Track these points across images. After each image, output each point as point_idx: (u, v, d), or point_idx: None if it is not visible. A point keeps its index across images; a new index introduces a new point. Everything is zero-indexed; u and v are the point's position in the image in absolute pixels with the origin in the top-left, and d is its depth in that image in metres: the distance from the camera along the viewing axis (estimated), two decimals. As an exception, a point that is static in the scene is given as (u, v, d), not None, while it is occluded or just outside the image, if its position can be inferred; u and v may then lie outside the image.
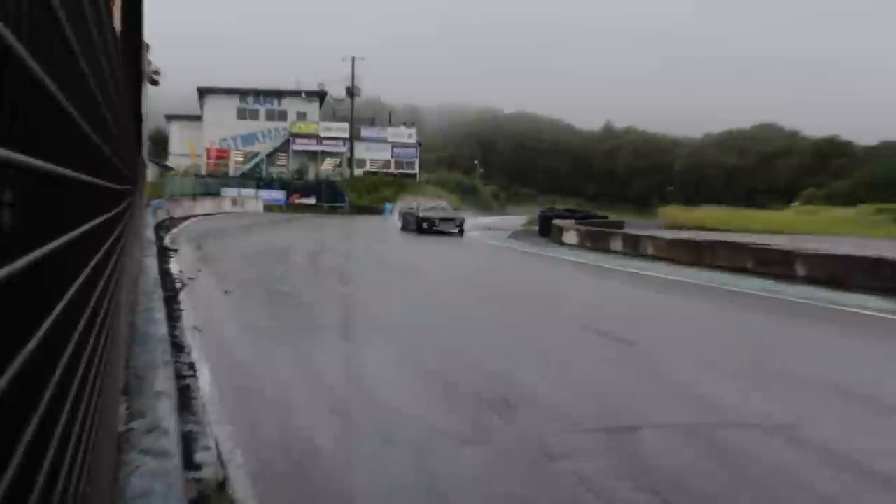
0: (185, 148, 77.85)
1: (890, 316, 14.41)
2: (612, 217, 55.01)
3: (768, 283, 18.43)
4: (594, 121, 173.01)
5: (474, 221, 55.81)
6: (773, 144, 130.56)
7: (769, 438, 6.58)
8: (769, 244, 23.97)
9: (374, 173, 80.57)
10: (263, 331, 11.14)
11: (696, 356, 9.99)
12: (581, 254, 28.23)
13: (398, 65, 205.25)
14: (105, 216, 2.81)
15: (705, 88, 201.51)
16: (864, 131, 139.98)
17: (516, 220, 59.85)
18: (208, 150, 76.67)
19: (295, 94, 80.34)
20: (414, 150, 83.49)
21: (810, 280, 19.20)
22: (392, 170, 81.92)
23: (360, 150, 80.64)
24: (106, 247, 2.87)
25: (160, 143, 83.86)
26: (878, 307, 15.39)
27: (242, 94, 79.29)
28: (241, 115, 78.77)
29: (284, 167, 78.59)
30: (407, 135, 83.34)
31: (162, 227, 34.03)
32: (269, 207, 66.25)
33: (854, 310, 15.06)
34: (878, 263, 18.53)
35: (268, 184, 72.73)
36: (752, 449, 6.32)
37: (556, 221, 37.86)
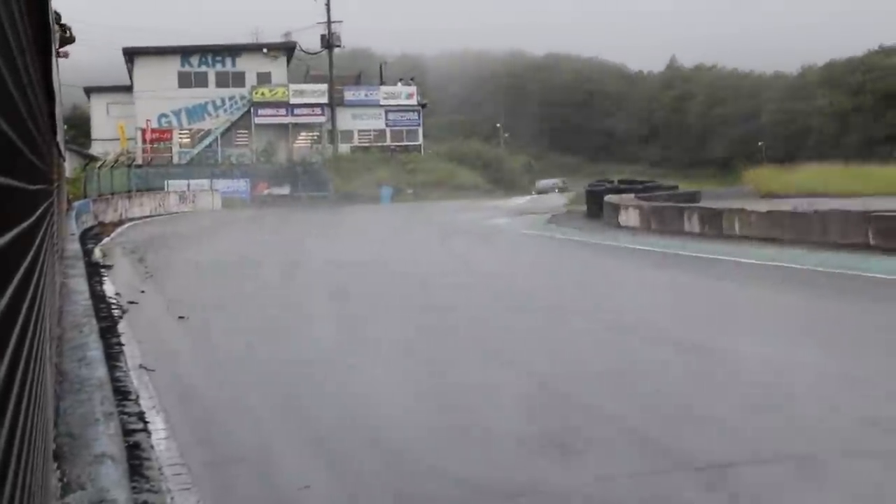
0: (112, 130, 78.09)
1: None
2: (684, 187, 54.87)
3: (899, 263, 18.37)
4: (654, 60, 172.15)
5: (500, 205, 55.82)
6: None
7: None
8: (897, 210, 23.87)
9: (366, 148, 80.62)
10: (232, 366, 11.19)
11: (807, 368, 9.98)
12: (645, 238, 28.21)
13: (389, 4, 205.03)
14: (18, 229, 2.83)
15: (798, 8, 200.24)
16: None
17: (556, 199, 59.86)
18: (143, 132, 76.86)
19: (254, 49, 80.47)
20: (415, 114, 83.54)
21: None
22: (388, 142, 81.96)
23: (345, 119, 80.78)
24: (22, 272, 2.90)
25: (79, 125, 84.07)
26: None
27: (184, 53, 79.34)
28: (185, 81, 78.89)
29: (246, 148, 78.72)
30: (405, 95, 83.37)
31: (89, 237, 34.17)
32: (229, 203, 66.26)
33: None
34: None
35: (226, 171, 72.82)
36: (887, 482, 6.31)
37: (610, 198, 37.83)
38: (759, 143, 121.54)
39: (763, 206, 31.72)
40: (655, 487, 6.38)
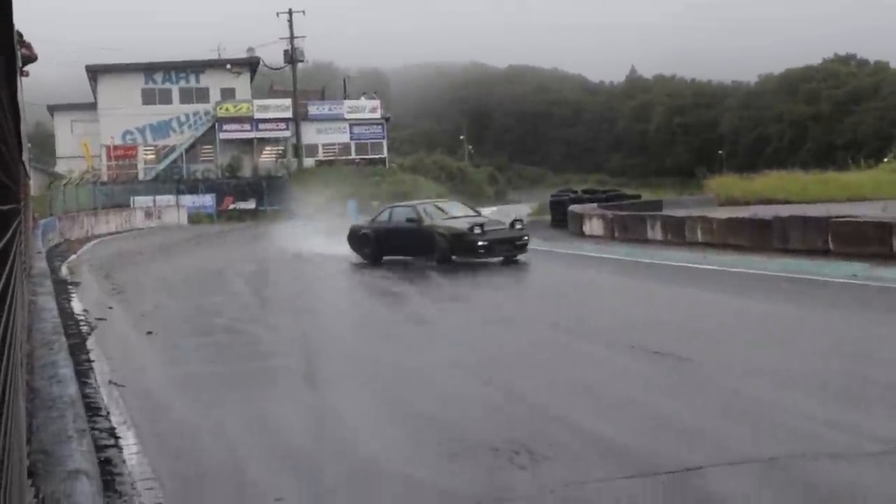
0: (77, 147, 77.62)
1: None
2: (647, 196, 55.09)
3: (858, 268, 18.53)
4: (614, 70, 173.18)
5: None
6: (853, 83, 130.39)
7: (872, 468, 6.66)
8: (855, 215, 24.08)
9: (331, 162, 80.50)
10: (201, 380, 11.18)
11: (770, 373, 10.06)
12: (609, 247, 28.32)
13: (351, 18, 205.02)
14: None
15: (755, 18, 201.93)
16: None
17: (520, 209, 60.00)
18: (108, 149, 76.41)
19: (217, 65, 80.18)
20: (380, 128, 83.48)
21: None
22: (353, 155, 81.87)
23: (310, 134, 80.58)
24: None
25: (43, 144, 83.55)
26: None
27: (148, 70, 78.96)
28: (149, 98, 78.52)
29: (211, 163, 78.43)
30: (369, 108, 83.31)
31: (56, 254, 34.00)
32: (195, 218, 66.13)
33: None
34: None
35: (191, 187, 72.56)
36: (850, 483, 6.39)
37: (574, 207, 37.95)
38: (720, 152, 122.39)
39: (724, 213, 31.93)
40: (623, 491, 6.44)
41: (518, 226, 25.76)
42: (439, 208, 26.80)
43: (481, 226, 24.73)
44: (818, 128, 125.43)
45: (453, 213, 26.35)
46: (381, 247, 26.64)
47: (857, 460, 6.85)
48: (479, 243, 24.17)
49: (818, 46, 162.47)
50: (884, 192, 51.01)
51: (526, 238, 25.13)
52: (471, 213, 27.11)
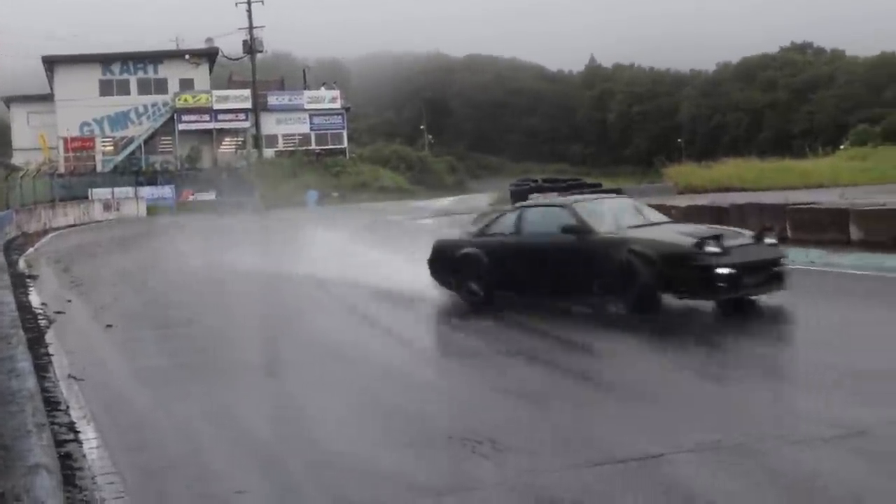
0: (33, 139, 76.87)
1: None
2: (607, 184, 55.26)
3: (816, 254, 18.69)
4: (573, 60, 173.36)
5: (424, 206, 55.87)
6: (810, 71, 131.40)
7: (833, 452, 6.71)
8: (813, 202, 24.27)
9: (291, 153, 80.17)
10: (161, 373, 11.10)
11: (725, 358, 10.13)
12: (570, 236, 28.28)
13: (309, 7, 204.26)
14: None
15: (713, 7, 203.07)
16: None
17: (481, 199, 60.02)
18: (65, 141, 75.77)
19: (176, 55, 79.76)
20: (340, 118, 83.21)
21: (870, 245, 19.44)
22: (313, 146, 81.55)
23: (269, 124, 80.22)
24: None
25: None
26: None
27: (105, 61, 78.40)
28: (106, 89, 77.96)
29: (170, 154, 77.94)
30: (329, 98, 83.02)
31: (13, 248, 33.66)
32: (154, 210, 65.69)
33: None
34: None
35: (150, 179, 72.09)
36: (811, 467, 6.45)
37: (535, 196, 37.95)
38: (678, 140, 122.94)
39: (683, 201, 32.07)
40: (587, 479, 6.45)
41: (769, 239, 13.88)
42: (620, 208, 15.04)
43: (717, 239, 12.93)
44: (775, 116, 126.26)
45: (648, 218, 14.81)
46: (500, 277, 14.97)
47: (818, 446, 6.90)
48: (720, 272, 12.41)
49: (775, 35, 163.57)
50: (841, 179, 51.57)
51: (784, 261, 13.66)
52: (662, 217, 15.34)
